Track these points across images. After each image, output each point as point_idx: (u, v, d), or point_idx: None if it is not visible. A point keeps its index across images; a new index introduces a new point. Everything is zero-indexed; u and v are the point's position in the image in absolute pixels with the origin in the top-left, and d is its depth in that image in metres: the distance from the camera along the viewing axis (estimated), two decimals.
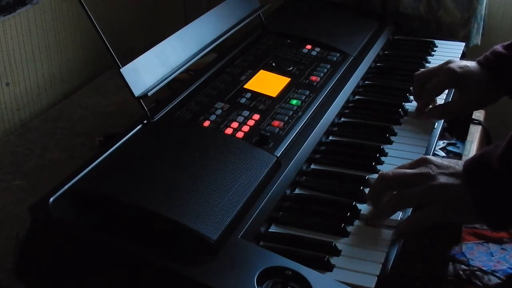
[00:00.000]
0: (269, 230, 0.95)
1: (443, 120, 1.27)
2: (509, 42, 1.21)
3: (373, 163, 1.09)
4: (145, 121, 1.07)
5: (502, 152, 0.92)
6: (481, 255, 1.55)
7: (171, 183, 0.92)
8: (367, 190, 1.02)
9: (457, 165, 0.97)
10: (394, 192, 0.98)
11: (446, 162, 0.98)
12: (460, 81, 1.21)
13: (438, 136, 1.23)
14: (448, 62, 1.24)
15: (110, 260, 0.85)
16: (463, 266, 1.51)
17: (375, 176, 1.03)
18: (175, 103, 1.13)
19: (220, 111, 1.12)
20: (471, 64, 1.22)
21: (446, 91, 1.34)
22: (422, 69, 1.31)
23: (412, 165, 1.00)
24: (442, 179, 0.95)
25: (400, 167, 1.01)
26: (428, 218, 0.95)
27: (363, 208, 0.99)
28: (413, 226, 0.96)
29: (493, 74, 1.19)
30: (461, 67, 1.21)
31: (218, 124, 1.08)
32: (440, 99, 1.31)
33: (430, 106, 1.26)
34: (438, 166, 0.97)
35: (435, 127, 1.23)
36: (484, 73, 1.20)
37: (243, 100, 1.16)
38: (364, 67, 1.39)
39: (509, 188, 0.90)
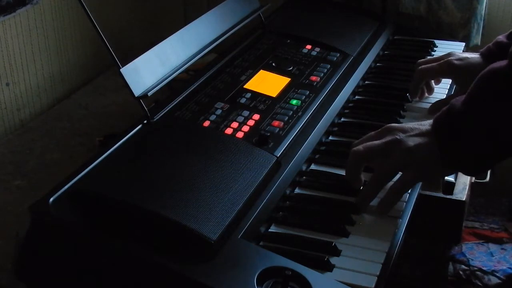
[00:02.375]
0: (269, 230, 0.95)
1: None
2: (511, 30, 1.21)
3: None
4: (145, 121, 1.07)
5: (466, 96, 0.95)
6: (481, 255, 1.55)
7: (171, 183, 0.92)
8: None
9: (421, 125, 1.01)
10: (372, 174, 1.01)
11: (410, 125, 1.01)
12: (458, 73, 1.23)
13: None
14: (449, 54, 1.26)
15: (110, 260, 0.85)
16: (463, 266, 1.51)
17: None
18: (175, 103, 1.13)
19: (220, 111, 1.12)
20: (471, 56, 1.23)
21: (447, 90, 1.34)
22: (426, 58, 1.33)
23: (378, 134, 1.02)
24: (411, 141, 0.98)
25: (366, 139, 1.03)
26: (409, 182, 0.98)
27: None
28: (397, 194, 0.98)
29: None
30: (460, 59, 1.23)
31: (218, 124, 1.08)
32: (442, 95, 1.31)
33: (432, 102, 1.27)
34: (403, 130, 1.00)
35: None
36: (486, 64, 1.19)
37: (243, 100, 1.16)
38: (364, 67, 1.39)
39: (476, 127, 0.93)
